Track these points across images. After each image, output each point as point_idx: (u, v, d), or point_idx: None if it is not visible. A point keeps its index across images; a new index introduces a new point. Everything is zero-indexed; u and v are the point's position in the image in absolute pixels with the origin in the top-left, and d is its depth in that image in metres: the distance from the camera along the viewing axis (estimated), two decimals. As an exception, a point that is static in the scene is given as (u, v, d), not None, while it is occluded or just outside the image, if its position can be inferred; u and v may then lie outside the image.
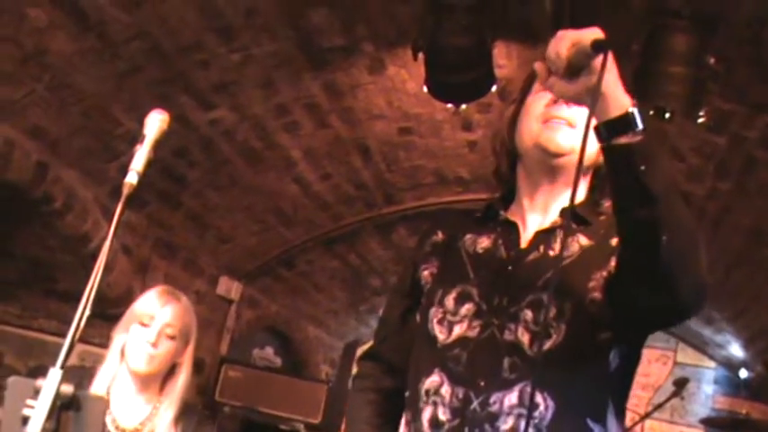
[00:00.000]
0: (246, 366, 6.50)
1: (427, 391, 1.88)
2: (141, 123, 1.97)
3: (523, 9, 4.04)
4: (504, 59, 4.34)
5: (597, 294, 1.80)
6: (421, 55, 3.85)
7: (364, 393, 2.19)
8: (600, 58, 1.55)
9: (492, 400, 1.77)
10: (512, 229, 1.98)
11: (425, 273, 2.07)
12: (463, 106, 4.05)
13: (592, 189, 2.02)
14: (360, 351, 6.26)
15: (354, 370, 2.29)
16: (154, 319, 2.94)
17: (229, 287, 6.55)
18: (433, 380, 1.88)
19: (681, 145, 4.58)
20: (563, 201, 1.95)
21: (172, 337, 2.96)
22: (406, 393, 1.98)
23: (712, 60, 3.53)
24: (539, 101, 1.96)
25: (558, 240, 1.90)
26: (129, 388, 2.94)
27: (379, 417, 2.14)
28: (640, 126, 1.54)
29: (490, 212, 2.07)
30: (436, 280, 2.03)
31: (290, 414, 6.04)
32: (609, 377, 1.83)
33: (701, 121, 3.64)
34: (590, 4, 3.72)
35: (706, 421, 6.94)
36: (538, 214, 1.98)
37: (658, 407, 6.43)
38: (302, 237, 6.63)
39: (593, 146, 1.68)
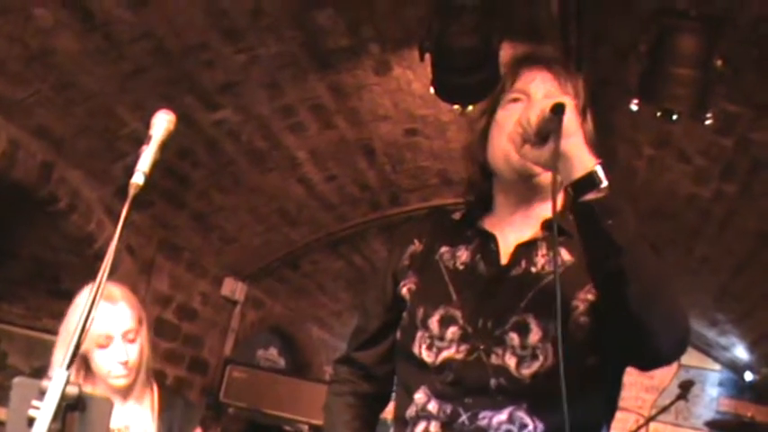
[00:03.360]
0: (251, 367, 6.50)
1: (417, 407, 1.88)
2: (146, 124, 1.96)
3: (530, 10, 4.03)
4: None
5: (583, 318, 1.80)
6: (427, 56, 3.84)
7: (342, 397, 2.17)
8: (564, 120, 1.64)
9: (481, 416, 1.79)
10: (490, 242, 1.97)
11: (404, 289, 2.04)
12: (470, 107, 4.03)
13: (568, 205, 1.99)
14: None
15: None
16: (113, 337, 2.81)
17: (234, 288, 6.54)
18: (419, 397, 1.89)
19: (687, 147, 4.57)
20: (540, 214, 1.95)
21: (135, 337, 2.86)
22: (394, 410, 1.99)
23: (719, 62, 3.52)
24: (509, 118, 1.92)
25: (540, 254, 1.90)
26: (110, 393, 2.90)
27: (359, 419, 2.14)
28: (604, 183, 1.62)
29: (468, 219, 2.06)
30: (416, 297, 2.00)
31: (294, 415, 6.03)
32: (605, 401, 1.86)
33: (708, 122, 3.63)
34: (597, 5, 3.72)
35: (711, 424, 6.94)
36: (516, 227, 1.97)
37: (663, 410, 6.43)
38: (307, 238, 6.63)
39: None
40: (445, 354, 1.87)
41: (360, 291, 8.03)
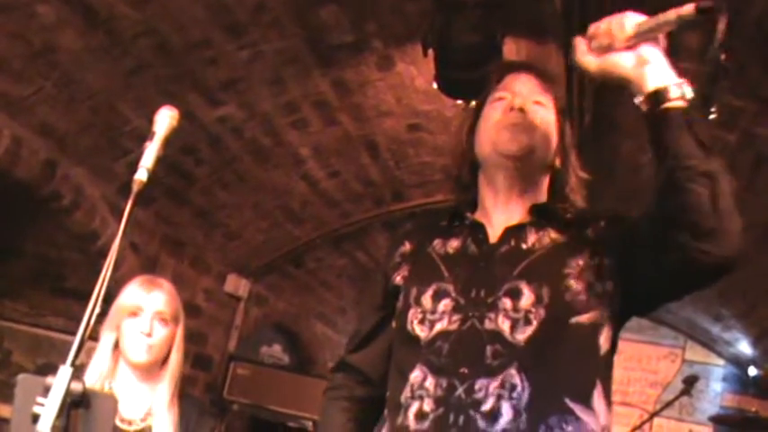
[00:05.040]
0: (255, 364, 6.50)
1: (412, 387, 1.90)
2: (149, 121, 1.97)
3: (533, 6, 4.03)
4: (515, 55, 4.31)
5: (573, 282, 1.86)
6: (430, 51, 3.84)
7: (337, 402, 2.20)
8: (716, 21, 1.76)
9: (477, 386, 1.80)
10: (479, 229, 2.04)
11: (398, 278, 2.12)
12: (473, 103, 4.03)
13: (552, 192, 2.10)
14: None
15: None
16: (143, 309, 2.91)
17: (237, 285, 6.54)
18: (416, 375, 1.90)
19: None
20: (526, 201, 2.04)
21: (165, 323, 2.94)
22: (388, 398, 2.01)
23: (723, 56, 3.51)
24: (496, 109, 2.08)
25: (529, 235, 1.97)
26: (130, 381, 2.92)
27: (353, 422, 2.17)
28: (690, 95, 1.76)
29: (457, 216, 2.13)
30: (409, 281, 2.07)
31: (298, 411, 6.04)
32: (597, 359, 1.87)
33: (712, 117, 3.62)
34: (599, 1, 3.71)
35: (715, 419, 6.93)
36: (502, 215, 2.04)
37: (667, 405, 6.41)
38: (310, 234, 6.63)
39: (549, 147, 2.03)
40: (438, 326, 1.91)
41: (364, 287, 8.03)
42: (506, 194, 2.04)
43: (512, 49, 4.24)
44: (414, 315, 1.97)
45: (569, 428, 1.77)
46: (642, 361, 8.27)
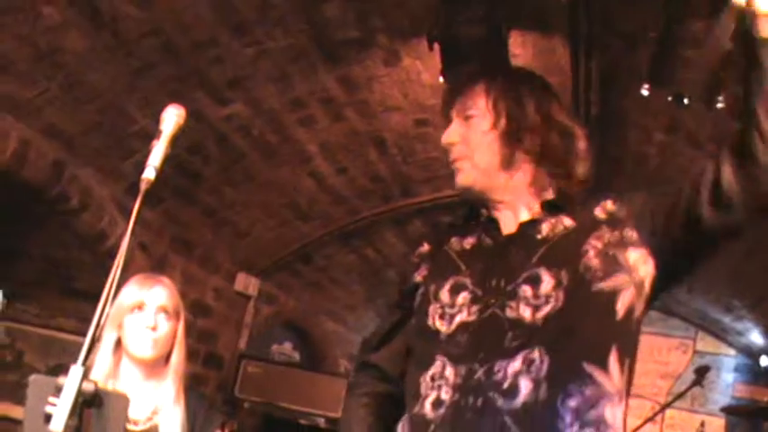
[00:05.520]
0: (266, 362, 6.51)
1: (432, 377, 1.93)
2: (156, 120, 1.96)
3: (538, -2, 4.02)
4: (520, 48, 4.31)
5: (591, 258, 1.89)
6: (436, 45, 3.84)
7: (359, 398, 2.24)
8: None
9: (496, 368, 1.83)
10: (494, 225, 2.06)
11: (417, 277, 2.15)
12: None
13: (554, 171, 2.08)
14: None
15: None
16: (146, 304, 2.91)
17: (247, 283, 6.55)
18: (435, 366, 1.93)
19: (698, 130, 4.54)
20: (534, 198, 2.05)
21: (168, 317, 2.95)
22: (406, 391, 2.04)
23: (729, 45, 3.50)
24: None
25: (543, 226, 1.98)
26: (135, 379, 2.91)
27: (373, 416, 2.19)
28: None
29: (472, 214, 2.16)
30: (428, 279, 2.10)
31: (309, 408, 6.04)
32: (614, 324, 1.88)
33: (719, 106, 3.62)
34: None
35: (727, 409, 6.92)
36: (517, 211, 2.05)
37: (679, 396, 6.39)
38: (319, 231, 6.62)
39: (490, 155, 2.03)
40: (458, 319, 1.95)
41: (373, 283, 8.03)
42: (504, 207, 2.07)
43: (517, 42, 4.23)
44: (434, 310, 2.00)
45: (587, 392, 1.81)
46: (653, 353, 8.25)
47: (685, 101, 3.54)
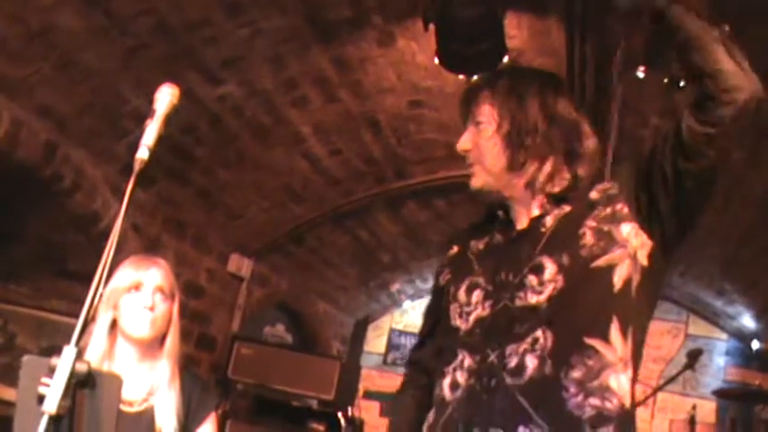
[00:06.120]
0: (258, 344, 6.50)
1: (453, 366, 2.09)
2: (149, 101, 1.96)
3: (534, -21, 4.01)
4: (515, 30, 4.30)
5: (588, 238, 2.01)
6: (431, 26, 3.82)
7: (407, 391, 2.44)
8: None
9: (508, 352, 1.98)
10: (509, 224, 2.22)
11: (442, 281, 2.33)
12: (475, 77, 4.02)
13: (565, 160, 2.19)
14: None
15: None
16: (143, 284, 2.92)
17: (240, 264, 6.55)
18: (457, 361, 2.09)
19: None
20: (543, 195, 2.16)
21: (165, 298, 2.96)
22: (434, 379, 2.22)
23: (727, 28, 3.49)
24: None
25: (548, 219, 2.12)
26: (129, 361, 2.91)
27: (418, 403, 2.33)
28: None
29: (490, 214, 2.30)
30: (450, 281, 2.28)
31: (302, 390, 6.03)
32: (612, 296, 1.99)
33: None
34: (601, -26, 3.68)
35: (719, 393, 6.95)
36: (527, 208, 2.19)
37: (671, 380, 6.41)
38: (312, 213, 6.61)
39: (496, 158, 2.15)
40: (473, 315, 2.10)
41: (366, 265, 8.03)
42: (516, 205, 2.20)
43: (513, 23, 4.22)
44: (454, 310, 2.17)
45: (590, 362, 1.93)
46: (645, 336, 8.27)
47: (681, 83, 3.52)
